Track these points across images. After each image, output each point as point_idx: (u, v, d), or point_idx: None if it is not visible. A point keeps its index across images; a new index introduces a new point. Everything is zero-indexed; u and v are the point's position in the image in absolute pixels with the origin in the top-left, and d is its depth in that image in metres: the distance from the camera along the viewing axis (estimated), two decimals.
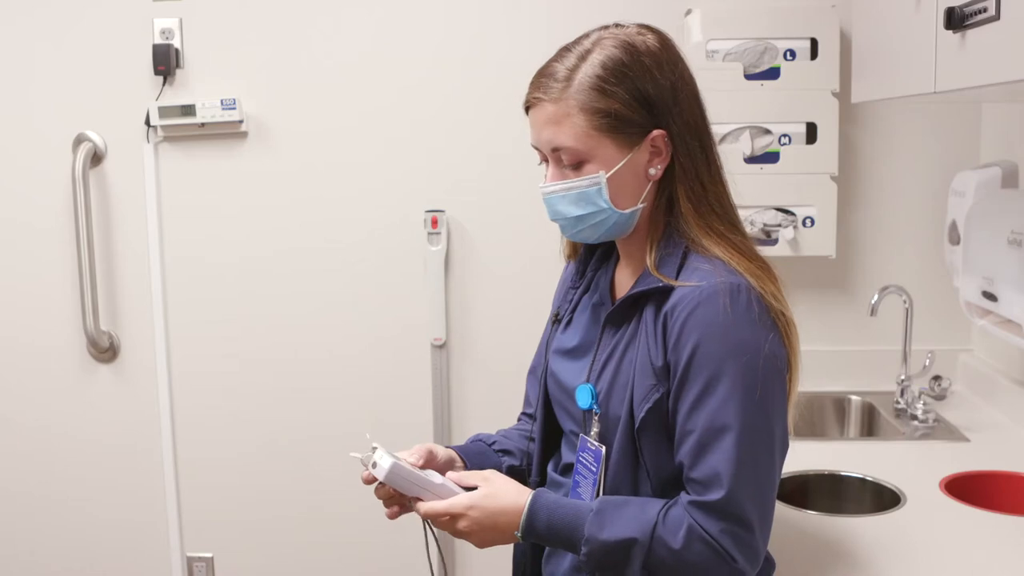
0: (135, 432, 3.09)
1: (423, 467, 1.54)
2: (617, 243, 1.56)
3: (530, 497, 1.43)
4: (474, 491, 1.46)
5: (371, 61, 2.89)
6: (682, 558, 1.33)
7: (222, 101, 2.87)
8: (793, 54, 2.66)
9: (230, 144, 2.94)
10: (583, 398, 1.49)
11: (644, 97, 1.40)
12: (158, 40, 2.89)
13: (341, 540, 3.05)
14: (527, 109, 1.47)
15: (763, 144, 2.70)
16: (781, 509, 1.95)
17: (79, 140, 2.96)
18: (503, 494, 1.45)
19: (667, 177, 1.44)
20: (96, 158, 2.99)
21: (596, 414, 1.47)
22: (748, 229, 2.67)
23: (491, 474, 1.51)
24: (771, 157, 2.71)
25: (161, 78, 2.89)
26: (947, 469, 2.13)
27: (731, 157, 2.68)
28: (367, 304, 2.99)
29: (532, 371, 1.72)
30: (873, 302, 2.55)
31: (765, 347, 1.35)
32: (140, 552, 3.14)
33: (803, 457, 2.25)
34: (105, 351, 3.06)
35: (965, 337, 2.83)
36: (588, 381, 1.49)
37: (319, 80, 2.91)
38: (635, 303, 1.45)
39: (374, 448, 1.48)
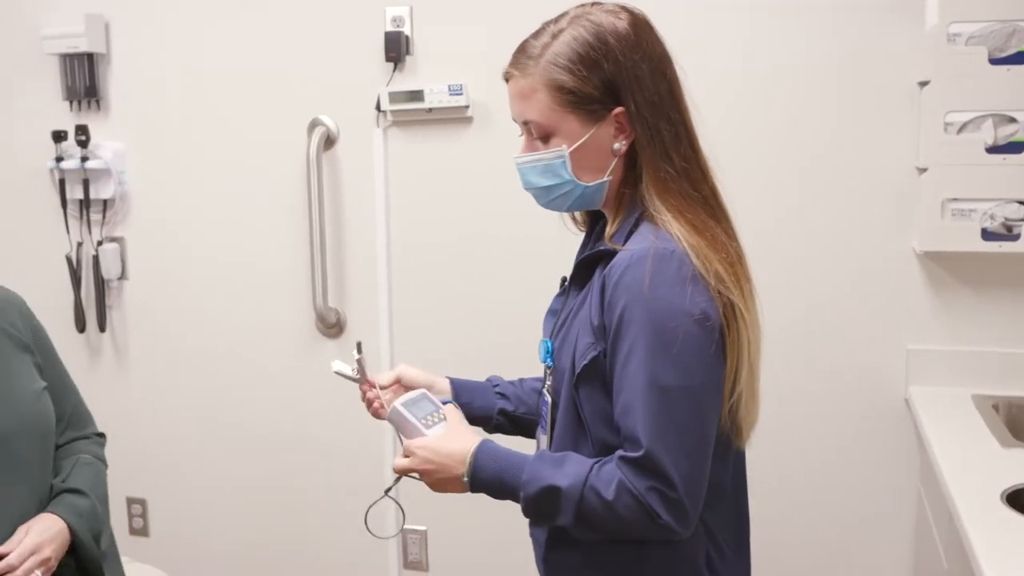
0: (357, 407, 3.21)
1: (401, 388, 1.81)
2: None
3: (475, 445, 1.50)
4: (427, 436, 1.55)
5: None
6: (613, 509, 1.38)
7: (449, 87, 2.94)
8: None
9: (456, 129, 3.01)
10: (542, 353, 1.61)
11: (605, 77, 1.45)
12: (389, 28, 2.99)
13: None
14: (506, 81, 1.56)
15: (1007, 133, 2.54)
16: (1012, 516, 1.85)
17: (314, 124, 3.11)
18: (452, 438, 1.54)
19: (635, 152, 1.48)
20: (329, 141, 3.13)
21: (550, 368, 1.58)
22: (987, 223, 2.57)
23: (450, 415, 1.60)
24: (1015, 147, 2.54)
25: (391, 64, 3.00)
26: None
27: (971, 147, 2.56)
28: None
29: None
30: None
31: (694, 311, 1.37)
32: (359, 522, 3.27)
33: None
34: (332, 326, 3.21)
35: None
36: (549, 338, 1.61)
37: None
38: (591, 266, 1.53)
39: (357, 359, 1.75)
